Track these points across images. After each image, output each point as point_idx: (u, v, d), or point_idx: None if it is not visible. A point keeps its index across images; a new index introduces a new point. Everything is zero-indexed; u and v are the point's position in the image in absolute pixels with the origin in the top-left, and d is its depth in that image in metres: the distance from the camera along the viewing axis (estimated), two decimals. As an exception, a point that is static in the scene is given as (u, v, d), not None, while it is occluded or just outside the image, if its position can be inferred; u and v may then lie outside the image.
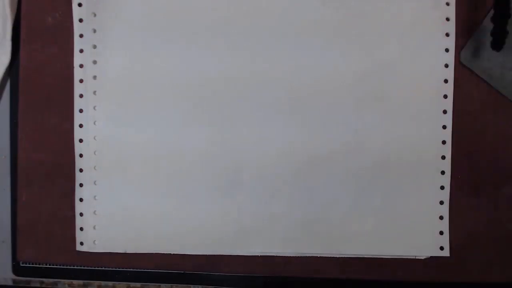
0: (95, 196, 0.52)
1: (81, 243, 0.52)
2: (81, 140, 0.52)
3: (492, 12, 0.46)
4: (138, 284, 0.54)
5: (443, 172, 0.50)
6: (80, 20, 0.51)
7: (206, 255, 0.52)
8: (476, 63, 0.49)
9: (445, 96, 0.49)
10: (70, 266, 0.54)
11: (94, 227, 0.52)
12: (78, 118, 0.52)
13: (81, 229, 0.52)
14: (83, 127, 0.52)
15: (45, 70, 0.52)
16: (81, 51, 0.51)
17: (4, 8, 0.51)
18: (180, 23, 0.51)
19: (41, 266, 0.54)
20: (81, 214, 0.52)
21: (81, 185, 0.52)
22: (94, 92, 0.52)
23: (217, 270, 0.52)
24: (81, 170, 0.52)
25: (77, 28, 0.51)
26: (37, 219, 0.53)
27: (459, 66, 0.50)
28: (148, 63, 0.51)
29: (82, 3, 0.51)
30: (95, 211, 0.52)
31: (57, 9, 0.52)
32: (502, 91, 0.49)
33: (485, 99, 0.50)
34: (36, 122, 0.52)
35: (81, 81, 0.52)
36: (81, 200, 0.52)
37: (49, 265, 0.54)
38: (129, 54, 0.51)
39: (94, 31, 0.51)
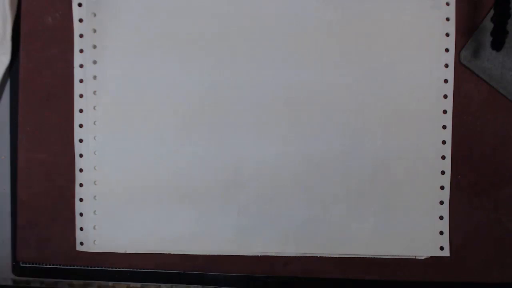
0: (95, 196, 0.52)
1: (81, 243, 0.52)
2: (81, 140, 0.52)
3: (492, 12, 0.46)
4: (138, 284, 0.54)
5: (443, 172, 0.50)
6: (80, 20, 0.51)
7: (206, 255, 0.52)
8: (476, 63, 0.49)
9: (445, 96, 0.50)
10: (70, 266, 0.54)
11: (94, 227, 0.52)
12: (78, 118, 0.52)
13: (81, 229, 0.52)
14: (83, 127, 0.52)
15: (45, 70, 0.52)
16: (81, 51, 0.51)
17: (4, 8, 0.51)
18: (181, 24, 0.51)
19: (41, 266, 0.54)
20: (81, 214, 0.52)
21: (81, 185, 0.52)
22: (94, 92, 0.52)
23: (217, 270, 0.52)
24: (81, 170, 0.52)
25: (77, 28, 0.51)
26: (37, 219, 0.53)
27: (459, 66, 0.50)
28: (148, 63, 0.51)
29: (82, 3, 0.51)
30: (95, 211, 0.52)
31: (57, 9, 0.52)
32: (502, 91, 0.49)
33: (485, 99, 0.50)
34: (36, 122, 0.52)
35: (81, 81, 0.52)
36: (81, 200, 0.52)
37: (49, 265, 0.54)
38: (129, 54, 0.51)
39: (94, 31, 0.51)
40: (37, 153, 0.52)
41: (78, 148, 0.52)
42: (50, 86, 0.52)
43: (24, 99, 0.53)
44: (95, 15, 0.51)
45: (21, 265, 0.54)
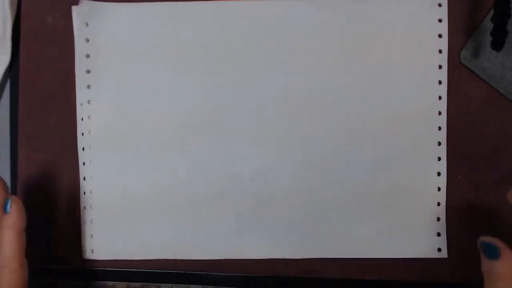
0: (91, 206, 0.52)
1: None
2: (83, 149, 0.52)
3: (492, 12, 0.46)
4: (138, 284, 0.54)
5: (439, 174, 0.50)
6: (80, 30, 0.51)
7: (206, 256, 0.52)
8: (476, 63, 0.49)
9: (440, 98, 0.49)
10: (70, 266, 0.54)
11: (91, 236, 0.52)
12: (80, 125, 0.52)
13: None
14: (84, 135, 0.52)
15: (45, 70, 0.52)
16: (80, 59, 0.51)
17: (4, 8, 0.52)
18: (180, 24, 0.51)
19: (40, 266, 0.54)
20: (80, 223, 0.52)
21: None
22: (89, 102, 0.52)
23: (217, 270, 0.52)
24: (84, 179, 0.52)
25: (77, 34, 0.52)
26: (36, 220, 0.53)
27: (459, 66, 0.49)
28: (145, 68, 0.51)
29: (80, 12, 0.51)
30: (92, 220, 0.52)
31: (57, 9, 0.52)
32: (502, 91, 0.49)
33: (485, 99, 0.50)
34: (36, 122, 0.52)
35: (81, 88, 0.52)
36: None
37: (49, 265, 0.54)
38: (125, 60, 0.51)
39: (87, 40, 0.51)
40: (37, 153, 0.53)
41: (81, 156, 0.52)
42: (50, 86, 0.52)
43: (24, 99, 0.53)
44: (87, 24, 0.51)
45: (21, 264, 0.54)
